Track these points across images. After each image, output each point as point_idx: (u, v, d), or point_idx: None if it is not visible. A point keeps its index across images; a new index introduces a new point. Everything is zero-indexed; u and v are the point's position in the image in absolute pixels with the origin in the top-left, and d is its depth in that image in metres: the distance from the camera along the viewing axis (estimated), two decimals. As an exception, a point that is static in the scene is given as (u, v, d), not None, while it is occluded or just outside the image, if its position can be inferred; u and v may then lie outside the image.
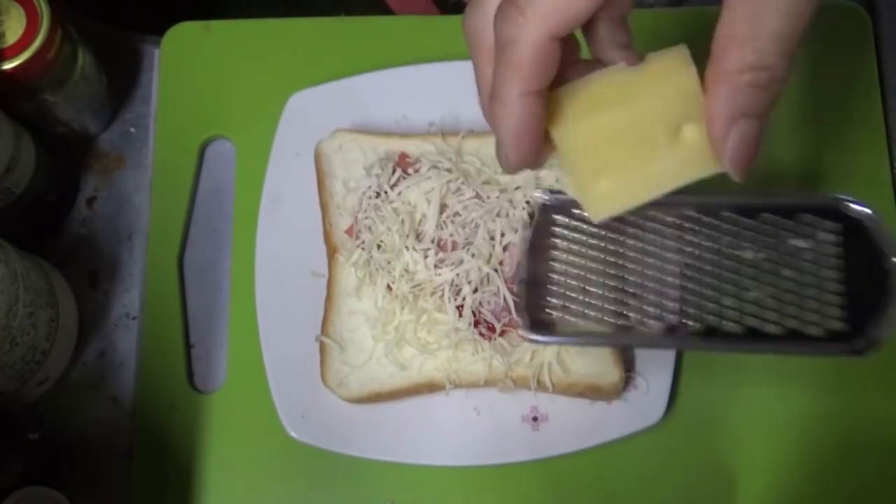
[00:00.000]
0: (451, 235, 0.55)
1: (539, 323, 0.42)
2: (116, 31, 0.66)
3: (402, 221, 0.55)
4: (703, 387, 0.57)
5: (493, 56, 0.36)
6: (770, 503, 0.56)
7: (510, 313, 0.54)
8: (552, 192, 0.43)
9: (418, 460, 0.55)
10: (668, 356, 0.56)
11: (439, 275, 0.54)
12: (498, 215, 0.55)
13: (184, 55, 0.64)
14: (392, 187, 0.56)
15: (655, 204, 0.37)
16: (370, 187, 0.57)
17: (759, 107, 0.34)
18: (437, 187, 0.55)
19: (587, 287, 0.42)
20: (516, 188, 0.56)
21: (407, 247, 0.55)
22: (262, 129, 0.61)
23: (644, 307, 0.41)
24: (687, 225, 0.42)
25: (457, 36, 0.63)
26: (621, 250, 0.43)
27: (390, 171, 0.56)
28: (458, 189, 0.55)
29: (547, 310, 0.42)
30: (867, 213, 0.39)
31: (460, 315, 0.54)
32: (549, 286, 0.42)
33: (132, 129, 0.65)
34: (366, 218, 0.56)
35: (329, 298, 0.57)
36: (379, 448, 0.56)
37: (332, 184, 0.59)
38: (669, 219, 0.42)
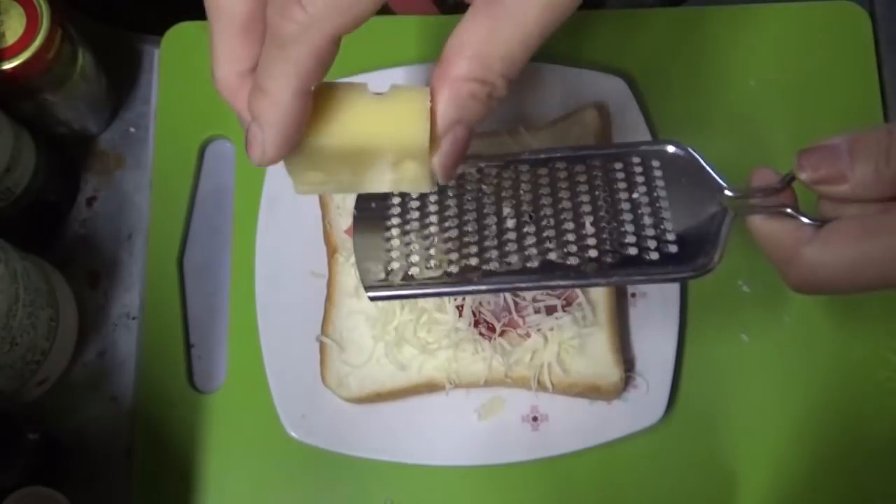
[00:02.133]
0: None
1: (379, 277, 0.42)
2: (116, 31, 0.66)
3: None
4: (702, 387, 0.57)
5: (241, 31, 0.36)
6: (770, 502, 0.56)
7: (510, 313, 0.54)
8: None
9: (418, 460, 0.55)
10: (668, 356, 0.56)
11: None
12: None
13: (184, 55, 0.64)
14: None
15: (489, 159, 0.42)
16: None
17: (473, 116, 0.36)
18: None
19: (428, 239, 0.42)
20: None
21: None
22: (262, 129, 0.61)
23: (484, 254, 0.41)
24: (524, 176, 0.43)
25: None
26: (459, 203, 0.43)
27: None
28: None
29: (389, 262, 0.42)
30: (688, 150, 0.42)
31: (460, 315, 0.54)
32: (388, 241, 0.42)
33: (132, 129, 0.65)
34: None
35: (329, 298, 0.57)
36: (379, 448, 0.56)
37: (332, 184, 0.58)
38: (507, 173, 0.43)
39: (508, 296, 0.54)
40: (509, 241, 0.41)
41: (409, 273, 0.41)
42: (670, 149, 0.43)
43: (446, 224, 0.42)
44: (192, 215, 0.62)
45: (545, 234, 0.41)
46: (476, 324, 0.54)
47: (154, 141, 0.63)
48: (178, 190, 0.62)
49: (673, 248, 0.40)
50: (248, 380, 0.58)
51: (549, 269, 0.40)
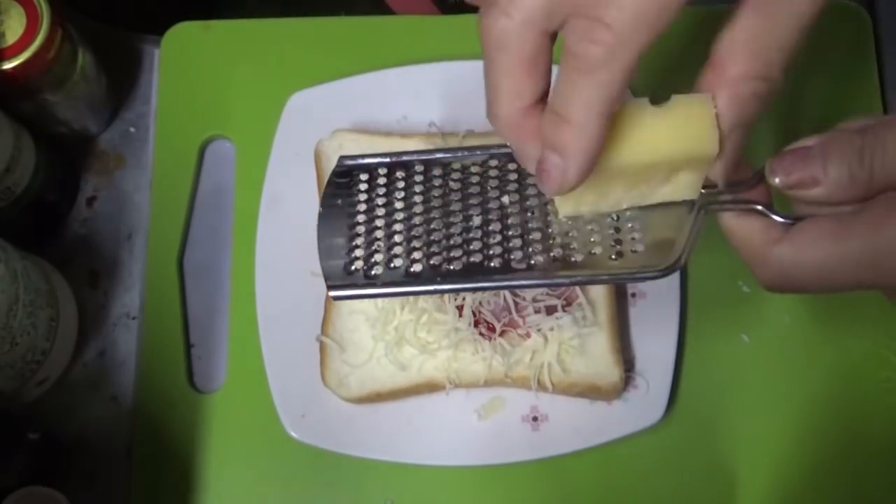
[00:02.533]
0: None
1: (343, 276, 0.42)
2: (116, 31, 0.66)
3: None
4: (703, 387, 0.57)
5: (525, 67, 0.35)
6: (770, 503, 0.56)
7: (510, 313, 0.54)
8: (353, 157, 0.45)
9: (418, 460, 0.55)
10: (668, 356, 0.56)
11: None
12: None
13: (184, 55, 0.64)
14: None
15: (461, 154, 0.43)
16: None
17: (754, 117, 0.36)
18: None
19: (391, 238, 0.42)
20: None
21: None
22: (262, 129, 0.61)
23: (448, 252, 0.41)
24: (492, 172, 0.43)
25: (457, 36, 0.63)
26: (425, 201, 0.43)
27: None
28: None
29: (352, 262, 0.42)
30: None
31: (460, 315, 0.54)
32: (353, 239, 0.42)
33: (132, 129, 0.65)
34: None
35: (329, 298, 0.57)
36: (379, 448, 0.56)
37: (332, 184, 0.58)
38: (476, 168, 0.43)
39: (508, 296, 0.54)
40: (474, 239, 0.41)
41: (372, 273, 0.41)
42: None
43: (412, 222, 0.42)
44: (192, 215, 0.62)
45: (511, 233, 0.41)
46: (476, 324, 0.54)
47: (154, 141, 0.63)
48: (178, 190, 0.62)
49: (638, 247, 0.39)
50: (248, 380, 0.58)
51: (510, 269, 0.40)
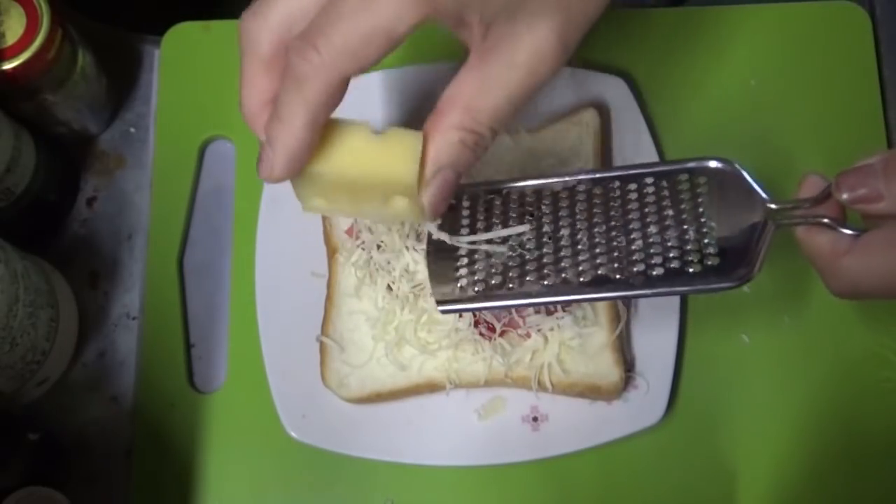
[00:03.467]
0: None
1: (449, 293, 0.45)
2: (116, 31, 0.66)
3: (403, 221, 0.55)
4: (703, 387, 0.57)
5: (265, 66, 0.41)
6: (770, 503, 0.56)
7: (510, 313, 0.54)
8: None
9: (418, 460, 0.55)
10: (668, 356, 0.56)
11: None
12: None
13: (184, 55, 0.64)
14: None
15: (548, 178, 0.47)
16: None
17: (461, 163, 0.41)
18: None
19: (492, 258, 0.46)
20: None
21: (407, 247, 0.55)
22: (262, 129, 0.61)
23: (542, 270, 0.45)
24: (580, 196, 0.47)
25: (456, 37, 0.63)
26: (519, 223, 0.46)
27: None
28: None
29: (457, 280, 0.45)
30: (733, 164, 0.45)
31: (460, 315, 0.54)
32: (459, 258, 0.46)
33: (132, 129, 0.65)
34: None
35: (329, 298, 0.57)
36: (379, 448, 0.56)
37: (332, 184, 0.58)
38: (564, 193, 0.47)
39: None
40: (565, 257, 0.44)
41: (476, 289, 0.45)
42: (714, 164, 0.45)
43: (506, 244, 0.46)
44: (192, 215, 0.62)
45: (597, 251, 0.44)
46: (476, 324, 0.54)
47: (154, 141, 0.63)
48: (178, 190, 0.62)
49: (715, 260, 0.42)
50: (248, 380, 0.58)
51: (599, 283, 0.43)
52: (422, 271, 0.54)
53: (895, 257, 0.39)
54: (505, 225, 0.46)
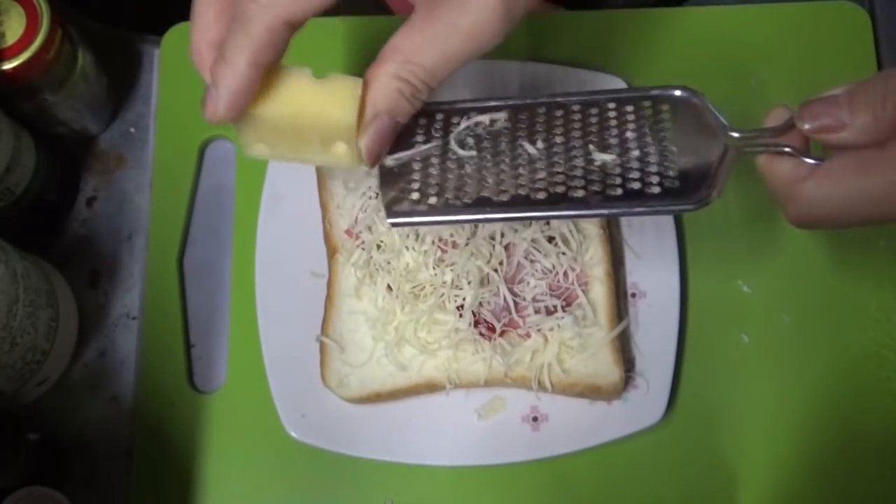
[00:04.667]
0: (451, 235, 0.55)
1: (400, 208, 0.44)
2: (116, 31, 0.66)
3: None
4: (703, 387, 0.57)
5: (216, 11, 0.42)
6: (770, 502, 0.56)
7: (510, 313, 0.54)
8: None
9: (418, 460, 0.55)
10: (668, 356, 0.56)
11: (436, 275, 0.54)
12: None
13: (184, 55, 0.63)
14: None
15: (513, 102, 0.46)
16: (370, 187, 0.57)
17: (398, 110, 0.42)
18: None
19: (447, 173, 0.45)
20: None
21: (407, 247, 0.55)
22: (262, 129, 0.61)
23: (499, 186, 0.44)
24: (540, 117, 0.46)
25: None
26: (477, 142, 0.46)
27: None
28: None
29: (410, 195, 0.44)
30: (696, 94, 0.45)
31: (460, 315, 0.54)
32: (412, 174, 0.45)
33: (132, 129, 0.65)
34: (366, 218, 0.56)
35: (329, 298, 0.57)
36: (379, 448, 0.56)
37: (332, 184, 0.58)
38: (524, 114, 0.46)
39: (508, 296, 0.54)
40: (522, 174, 0.44)
41: (429, 202, 0.44)
42: (678, 93, 0.45)
43: (463, 162, 0.45)
44: (192, 215, 0.62)
45: (555, 169, 0.44)
46: (476, 324, 0.54)
47: (154, 141, 0.63)
48: (178, 190, 0.62)
49: (674, 183, 0.42)
50: (248, 380, 0.58)
51: (557, 200, 0.43)
52: (421, 271, 0.54)
53: (855, 183, 0.39)
54: (462, 144, 0.46)
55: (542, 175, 0.44)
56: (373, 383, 0.55)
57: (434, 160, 0.45)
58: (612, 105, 0.46)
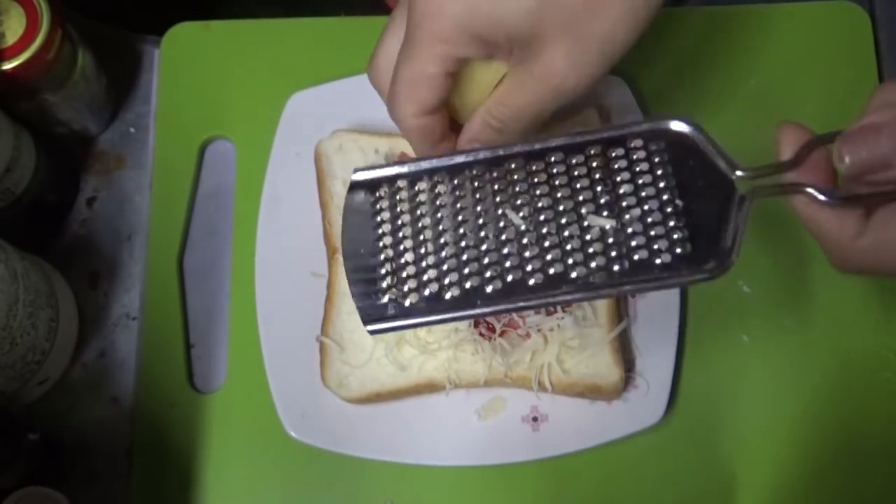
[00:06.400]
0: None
1: (377, 308, 0.40)
2: (116, 31, 0.66)
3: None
4: (703, 387, 0.57)
5: (399, 33, 0.46)
6: (770, 502, 0.56)
7: (510, 314, 0.54)
8: (366, 168, 0.43)
9: (418, 460, 0.55)
10: (668, 356, 0.56)
11: None
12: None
13: (184, 55, 0.64)
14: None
15: (484, 155, 0.42)
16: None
17: (482, 139, 0.46)
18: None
19: (419, 260, 0.40)
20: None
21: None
22: (262, 129, 0.61)
23: (485, 272, 0.39)
24: (518, 174, 0.41)
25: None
26: (453, 213, 0.41)
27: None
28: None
29: (383, 292, 0.40)
30: (693, 126, 0.39)
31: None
32: (381, 267, 0.41)
33: (132, 129, 0.65)
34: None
35: (329, 298, 0.57)
36: (379, 448, 0.56)
37: (332, 184, 0.59)
38: (498, 171, 0.42)
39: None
40: (511, 254, 0.39)
41: (406, 304, 0.39)
42: (674, 126, 0.40)
43: (441, 240, 0.41)
44: (192, 215, 0.62)
45: (546, 244, 0.39)
46: (476, 324, 0.54)
47: (154, 141, 0.63)
48: (178, 190, 0.62)
49: (686, 247, 0.38)
50: (248, 380, 0.58)
51: (554, 284, 0.38)
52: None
53: None
54: (434, 217, 0.41)
55: (532, 252, 0.39)
56: (373, 383, 0.55)
57: (405, 241, 0.41)
58: (596, 150, 0.41)
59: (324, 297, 0.57)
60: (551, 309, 0.54)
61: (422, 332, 0.55)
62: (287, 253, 0.59)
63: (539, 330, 0.54)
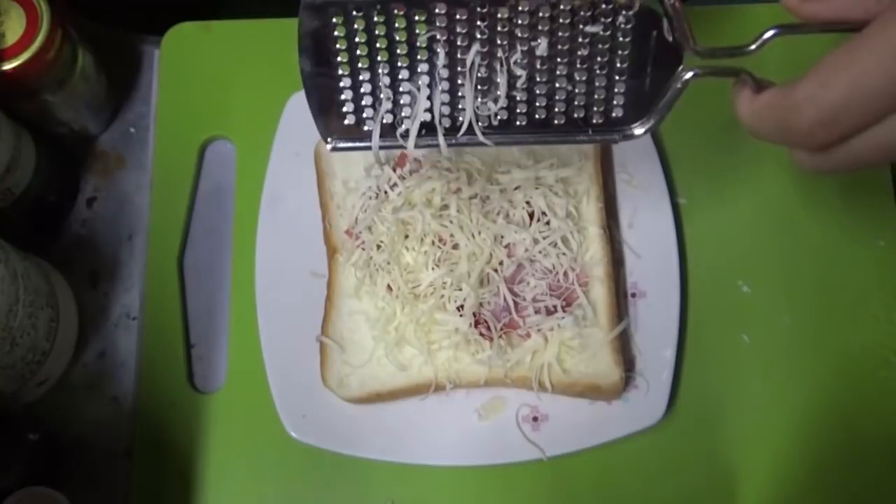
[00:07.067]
0: (452, 236, 0.55)
1: (338, 129, 0.43)
2: (116, 31, 0.66)
3: (403, 222, 0.55)
4: (703, 387, 0.57)
5: None
6: (770, 502, 0.56)
7: (510, 313, 0.54)
8: None
9: (418, 460, 0.55)
10: (668, 356, 0.56)
11: (432, 269, 0.54)
12: (498, 214, 0.55)
13: (184, 55, 0.64)
14: (392, 187, 0.56)
15: None
16: (370, 187, 0.57)
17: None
18: (437, 187, 0.55)
19: (375, 88, 0.42)
20: (515, 188, 0.56)
21: (407, 247, 0.55)
22: (262, 129, 0.61)
23: (435, 104, 0.42)
24: (481, 14, 0.41)
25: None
26: (407, 47, 0.42)
27: (390, 171, 0.56)
28: (459, 189, 0.55)
29: (343, 114, 0.43)
30: (658, 4, 0.40)
31: (461, 315, 0.54)
32: (341, 90, 0.42)
33: (132, 129, 0.65)
34: (365, 218, 0.56)
35: (329, 298, 0.57)
36: (379, 448, 0.56)
37: (332, 184, 0.59)
38: (460, 11, 0.41)
39: (509, 296, 0.54)
40: (461, 95, 0.42)
41: (365, 127, 0.42)
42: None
43: (399, 75, 0.42)
44: (192, 215, 0.62)
45: (499, 92, 0.41)
46: (476, 324, 0.54)
47: (154, 141, 0.63)
48: (178, 190, 0.62)
49: (618, 112, 0.41)
50: (248, 380, 0.58)
51: (501, 127, 0.42)
52: (421, 272, 0.54)
53: (855, 57, 0.35)
54: (392, 53, 0.41)
55: (488, 98, 0.41)
56: (373, 383, 0.55)
57: (363, 70, 0.42)
58: (566, 6, 0.40)
59: (324, 297, 0.57)
60: (551, 309, 0.54)
61: (422, 332, 0.55)
62: (287, 253, 0.59)
63: (539, 330, 0.54)
